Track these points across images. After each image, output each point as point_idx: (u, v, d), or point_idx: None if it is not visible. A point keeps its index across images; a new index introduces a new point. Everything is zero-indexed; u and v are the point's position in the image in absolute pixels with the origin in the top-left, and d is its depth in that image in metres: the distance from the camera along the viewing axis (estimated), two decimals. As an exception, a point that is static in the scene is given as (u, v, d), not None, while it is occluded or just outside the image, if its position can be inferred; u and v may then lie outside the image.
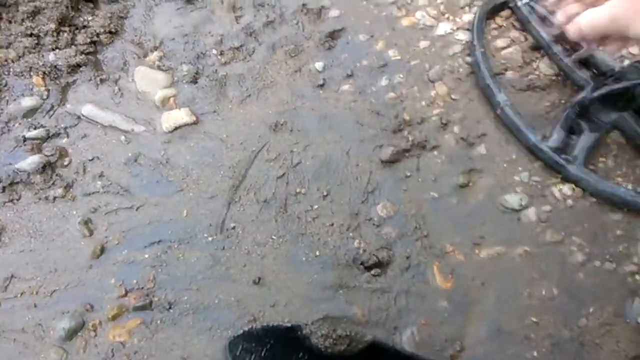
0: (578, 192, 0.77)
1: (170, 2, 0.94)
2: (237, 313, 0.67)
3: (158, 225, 0.73)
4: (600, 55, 0.86)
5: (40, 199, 0.75)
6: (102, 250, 0.72)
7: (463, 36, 0.95)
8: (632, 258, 0.74)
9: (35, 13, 0.86)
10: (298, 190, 0.76)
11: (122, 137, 0.80)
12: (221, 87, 0.85)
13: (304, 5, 0.96)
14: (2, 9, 0.87)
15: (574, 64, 0.87)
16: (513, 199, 0.76)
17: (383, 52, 0.92)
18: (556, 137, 0.80)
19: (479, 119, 0.85)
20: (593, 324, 0.69)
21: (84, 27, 0.89)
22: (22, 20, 0.86)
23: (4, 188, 0.75)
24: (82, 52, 0.86)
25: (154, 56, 0.88)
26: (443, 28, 0.97)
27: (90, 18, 0.89)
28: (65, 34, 0.87)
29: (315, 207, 0.75)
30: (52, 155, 0.77)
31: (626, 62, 0.85)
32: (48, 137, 0.79)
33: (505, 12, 1.00)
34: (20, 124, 0.80)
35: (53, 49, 0.85)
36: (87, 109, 0.81)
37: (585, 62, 0.87)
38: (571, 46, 0.90)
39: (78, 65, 0.85)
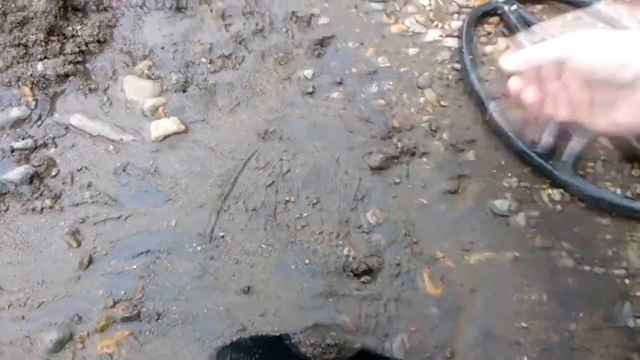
0: (567, 197, 0.78)
1: (159, 11, 0.94)
2: (226, 323, 0.67)
3: (146, 235, 0.73)
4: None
5: (28, 210, 0.74)
6: (90, 261, 0.71)
7: (452, 43, 0.96)
8: (621, 262, 0.74)
9: (23, 23, 0.86)
10: (287, 198, 0.76)
11: (111, 147, 0.80)
12: (210, 96, 0.85)
13: (293, 13, 0.96)
14: (-10, 19, 0.87)
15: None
16: (502, 205, 0.76)
17: (372, 59, 0.93)
18: (545, 142, 0.80)
19: (468, 125, 0.85)
20: (583, 328, 0.69)
21: (73, 36, 0.88)
22: (10, 30, 0.86)
23: (-9, 199, 0.74)
24: (70, 62, 0.86)
25: (143, 65, 0.87)
26: (432, 35, 0.97)
27: (79, 27, 0.89)
28: (54, 44, 0.86)
29: (305, 215, 0.75)
30: (40, 165, 0.77)
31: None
32: (36, 148, 0.79)
33: (494, 19, 1.00)
34: (8, 134, 0.80)
35: (41, 59, 0.85)
36: (76, 119, 0.81)
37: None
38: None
39: (66, 75, 0.85)
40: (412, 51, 0.94)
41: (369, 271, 0.71)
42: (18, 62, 0.84)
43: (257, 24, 0.94)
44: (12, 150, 0.78)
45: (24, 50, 0.85)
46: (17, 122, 0.81)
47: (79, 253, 0.72)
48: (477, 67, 0.89)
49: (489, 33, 0.99)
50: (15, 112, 0.81)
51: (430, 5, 1.00)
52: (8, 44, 0.85)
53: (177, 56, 0.89)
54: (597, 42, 0.52)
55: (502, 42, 0.96)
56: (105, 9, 0.94)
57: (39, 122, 0.81)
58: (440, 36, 0.97)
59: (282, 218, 0.75)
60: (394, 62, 0.92)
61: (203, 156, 0.79)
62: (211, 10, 0.95)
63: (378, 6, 0.98)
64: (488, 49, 0.96)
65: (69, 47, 0.87)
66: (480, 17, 0.99)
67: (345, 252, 0.72)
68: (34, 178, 0.76)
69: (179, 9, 0.94)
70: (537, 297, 0.71)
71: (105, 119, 0.82)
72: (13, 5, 0.86)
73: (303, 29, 0.95)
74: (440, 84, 0.90)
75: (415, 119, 0.85)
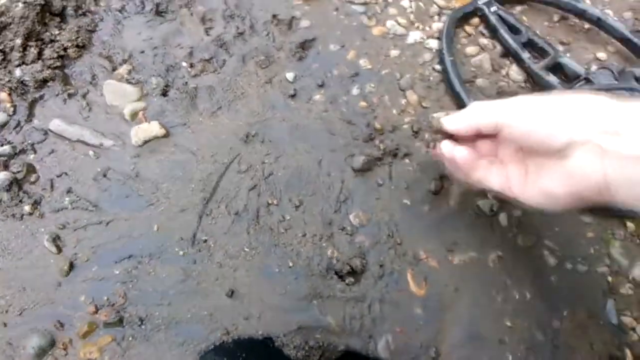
0: (549, 196, 0.78)
1: (139, 15, 0.93)
2: (210, 327, 0.67)
3: (128, 240, 0.72)
4: (568, 61, 0.87)
5: (7, 216, 0.73)
6: (71, 267, 0.70)
7: (433, 44, 0.96)
8: (604, 259, 0.75)
9: (1, 29, 0.85)
10: (270, 201, 0.76)
11: (91, 152, 0.79)
12: (191, 100, 0.85)
13: (274, 16, 0.96)
14: (-33, 25, 0.86)
15: (543, 70, 0.88)
16: (485, 205, 0.77)
17: (354, 61, 0.93)
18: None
19: (450, 126, 0.85)
20: (567, 326, 0.69)
21: (52, 41, 0.87)
22: (-12, 36, 0.85)
23: (-31, 207, 0.73)
24: (49, 67, 0.85)
25: (123, 70, 0.87)
26: (413, 37, 0.97)
27: (57, 32, 0.88)
28: (32, 49, 0.85)
29: (288, 217, 0.75)
30: (19, 172, 0.76)
31: (594, 67, 0.86)
32: (15, 154, 0.78)
33: (475, 21, 1.01)
34: (-14, 141, 0.79)
35: (19, 65, 0.84)
36: (55, 124, 0.80)
37: (553, 68, 0.89)
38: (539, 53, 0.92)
39: (45, 81, 0.84)
40: (393, 53, 0.94)
41: (353, 273, 0.71)
42: (-5, 69, 0.83)
43: (238, 28, 0.94)
44: (-9, 157, 0.77)
45: (2, 57, 0.84)
46: (-5, 129, 0.80)
47: (60, 259, 0.71)
48: (458, 68, 0.90)
49: (469, 34, 0.99)
50: (-7, 119, 0.80)
51: (411, 7, 1.01)
52: (-15, 50, 0.84)
53: (157, 60, 0.88)
54: (531, 108, 0.53)
55: (482, 42, 0.97)
56: (84, 14, 0.93)
57: (18, 129, 0.80)
58: (422, 38, 0.97)
59: (265, 221, 0.74)
60: (376, 64, 0.92)
61: (184, 160, 0.79)
62: (191, 14, 0.94)
63: (359, 9, 0.98)
64: (469, 50, 0.96)
65: (48, 52, 0.86)
66: (461, 18, 0.99)
67: (329, 254, 0.72)
68: (12, 184, 0.74)
69: (159, 13, 0.94)
70: (521, 296, 0.71)
71: (85, 124, 0.81)
72: (-10, 12, 0.85)
73: (284, 32, 0.95)
74: (422, 86, 0.90)
75: (398, 120, 0.85)
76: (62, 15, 0.92)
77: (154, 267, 0.70)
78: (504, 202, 0.77)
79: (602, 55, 0.96)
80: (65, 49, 0.88)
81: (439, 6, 1.01)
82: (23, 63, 0.84)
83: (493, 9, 0.96)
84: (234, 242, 0.72)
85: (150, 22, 0.93)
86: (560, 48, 0.95)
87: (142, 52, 0.89)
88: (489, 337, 0.68)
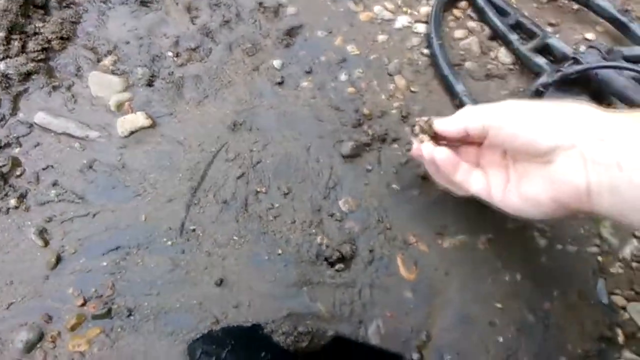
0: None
1: (123, 5, 0.93)
2: (200, 316, 0.66)
3: (115, 231, 0.72)
4: (556, 42, 0.87)
5: (-7, 210, 0.73)
6: (59, 259, 0.70)
7: (421, 29, 0.96)
8: (594, 240, 0.74)
9: (-17, 22, 0.84)
10: (258, 189, 0.76)
11: (77, 144, 0.78)
12: (178, 89, 0.84)
13: (260, 4, 0.95)
14: (-52, 19, 0.85)
15: (531, 51, 0.87)
16: (474, 188, 0.76)
17: (342, 47, 0.92)
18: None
19: (438, 110, 0.85)
20: (558, 307, 0.69)
21: (35, 34, 0.86)
22: (-30, 30, 0.84)
23: (-45, 202, 0.73)
24: (33, 60, 0.84)
25: (108, 61, 0.86)
26: (401, 21, 0.97)
27: (41, 25, 0.87)
28: (16, 42, 0.84)
29: (277, 205, 0.74)
30: (4, 165, 0.75)
31: (582, 48, 0.85)
32: (0, 148, 0.77)
33: (463, 4, 1.00)
34: (-29, 135, 0.78)
35: (3, 58, 0.83)
36: (40, 117, 0.79)
37: (542, 49, 0.88)
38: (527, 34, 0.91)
39: (29, 73, 0.83)
40: (381, 38, 0.94)
41: (342, 259, 0.70)
42: (-21, 63, 0.83)
43: (224, 16, 0.93)
44: (-25, 152, 0.76)
45: (-15, 50, 0.84)
46: (-21, 123, 0.79)
47: (47, 252, 0.70)
48: (446, 52, 0.89)
49: (457, 18, 0.99)
50: (-24, 113, 0.79)
51: (399, -9, 1.00)
52: (-32, 44, 0.83)
53: (142, 50, 0.87)
54: (519, 111, 0.54)
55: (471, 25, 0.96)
56: (67, 6, 0.92)
57: (2, 122, 0.79)
58: (410, 22, 0.96)
59: (253, 209, 0.74)
60: (364, 50, 0.92)
61: (171, 150, 0.78)
62: (177, 3, 0.94)
63: (346, -6, 0.98)
64: (457, 33, 0.96)
65: (31, 45, 0.85)
66: (449, 2, 0.99)
67: (319, 240, 0.72)
68: (-2, 178, 0.74)
69: (143, 2, 0.93)
70: (511, 277, 0.71)
71: (70, 117, 0.80)
72: (-28, 5, 0.84)
73: (271, 19, 0.94)
74: (410, 70, 0.90)
75: (386, 105, 0.85)
76: (45, 7, 0.91)
77: (142, 257, 0.70)
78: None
79: (590, 35, 0.96)
80: (49, 42, 0.87)
81: (426, -10, 1.00)
82: (7, 57, 0.83)
83: (480, -10, 0.96)
84: (223, 231, 0.72)
85: (135, 12, 0.92)
86: (549, 29, 0.95)
87: (127, 42, 0.89)
88: (479, 320, 0.68)
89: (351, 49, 0.91)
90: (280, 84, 0.86)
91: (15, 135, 0.78)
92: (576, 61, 0.79)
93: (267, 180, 0.76)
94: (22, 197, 0.74)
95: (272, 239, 0.72)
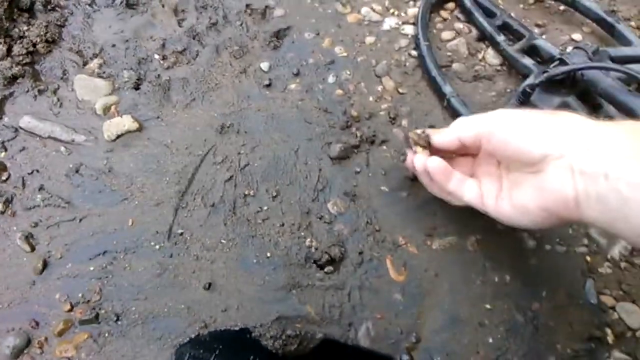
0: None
1: (109, 8, 0.92)
2: (188, 320, 0.66)
3: (102, 236, 0.71)
4: (542, 43, 0.87)
5: (-22, 216, 0.72)
6: (45, 265, 0.69)
7: (409, 30, 0.96)
8: (582, 240, 0.74)
9: (-33, 26, 0.83)
10: (247, 192, 0.75)
11: (63, 148, 0.77)
12: (164, 92, 0.83)
13: (247, 5, 0.95)
14: None
15: (518, 52, 0.88)
16: (463, 189, 0.76)
17: (329, 49, 0.92)
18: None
19: (426, 111, 0.85)
20: (547, 307, 0.69)
21: (20, 37, 0.86)
22: (-46, 34, 0.83)
23: (-60, 208, 0.72)
24: (18, 64, 0.83)
25: (94, 64, 0.85)
26: (388, 23, 0.97)
27: (26, 28, 0.86)
28: (1, 46, 0.84)
29: (265, 208, 0.74)
30: (-11, 170, 0.75)
31: (569, 49, 0.86)
32: (-15, 153, 0.76)
33: (450, 5, 1.01)
34: (-45, 141, 0.77)
35: (-12, 62, 0.82)
36: (25, 121, 0.78)
37: (529, 50, 0.88)
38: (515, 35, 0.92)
39: (15, 77, 0.82)
40: (369, 40, 0.94)
41: (331, 261, 0.70)
42: (-37, 67, 0.82)
43: (210, 18, 0.93)
44: (-40, 157, 0.75)
45: (-30, 55, 0.83)
46: (-36, 128, 0.78)
47: (34, 257, 0.70)
48: (434, 53, 0.89)
49: (445, 19, 0.99)
50: (-39, 118, 0.78)
51: (386, -7, 1.00)
52: (-48, 48, 0.82)
53: (128, 53, 0.87)
54: (510, 119, 0.55)
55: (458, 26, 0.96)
56: (53, 9, 0.91)
57: (-13, 127, 0.79)
58: (397, 24, 0.97)
59: (242, 212, 0.74)
60: (351, 52, 0.92)
61: (158, 153, 0.78)
62: (163, 6, 0.93)
63: (334, -4, 0.98)
64: (445, 35, 0.96)
65: (17, 48, 0.85)
66: (436, 3, 0.99)
67: (308, 243, 0.72)
68: (-18, 184, 0.73)
69: (129, 5, 0.92)
70: (501, 278, 0.71)
71: (56, 120, 0.80)
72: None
73: (258, 21, 0.94)
74: (398, 72, 0.90)
75: (374, 107, 0.85)
76: (30, 10, 0.90)
77: (129, 262, 0.69)
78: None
79: (577, 36, 0.96)
80: (34, 45, 0.86)
81: (413, -9, 1.00)
82: (-9, 60, 0.83)
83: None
84: (211, 234, 0.71)
85: (121, 14, 0.92)
86: (536, 30, 0.95)
87: (113, 45, 0.88)
88: (469, 321, 0.67)
89: (339, 50, 0.91)
90: (268, 86, 0.86)
91: (0, 140, 0.78)
92: (562, 62, 0.79)
93: (255, 183, 0.76)
94: (7, 202, 0.73)
95: (260, 242, 0.71)
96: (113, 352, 0.64)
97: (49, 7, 0.91)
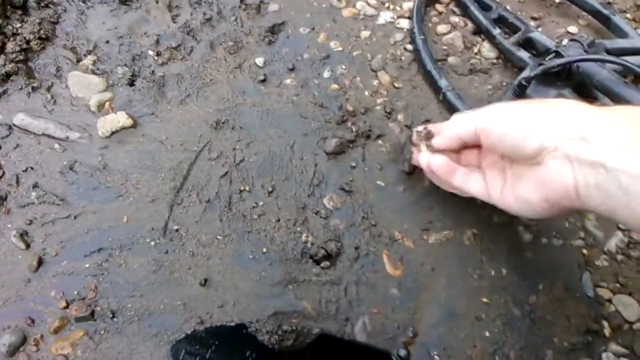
0: (522, 172, 0.77)
1: (103, 4, 0.92)
2: (184, 317, 0.66)
3: (98, 233, 0.71)
4: (538, 36, 0.87)
5: (-27, 214, 0.72)
6: (40, 262, 0.69)
7: (404, 24, 0.95)
8: (579, 233, 0.74)
9: (-40, 23, 0.83)
10: (242, 188, 0.75)
11: (57, 145, 0.77)
12: (159, 88, 0.83)
13: (242, 0, 0.95)
14: None
15: (514, 45, 0.87)
16: (459, 183, 0.76)
17: (325, 44, 0.91)
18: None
19: (422, 105, 0.85)
20: (543, 300, 0.69)
21: (14, 34, 0.85)
22: (-53, 32, 0.82)
23: None
24: (12, 61, 0.83)
25: (87, 60, 0.85)
26: (384, 17, 0.96)
27: (19, 25, 0.86)
28: (-6, 43, 0.83)
29: (261, 203, 0.74)
30: (-17, 168, 0.74)
31: (565, 41, 0.85)
32: (-21, 150, 0.76)
33: (445, -1, 1.00)
34: (-51, 139, 0.77)
35: (-19, 60, 0.82)
36: (19, 119, 0.78)
37: (524, 43, 0.88)
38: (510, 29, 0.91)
39: (8, 75, 0.82)
40: (364, 34, 0.93)
41: (328, 256, 0.70)
42: (-44, 65, 0.81)
43: (205, 14, 0.92)
44: (-47, 155, 0.75)
45: (-37, 53, 0.82)
46: (-43, 126, 0.78)
47: (29, 255, 0.69)
48: (429, 47, 0.89)
49: (440, 13, 0.99)
50: (-45, 116, 0.78)
51: (381, -13, 1.00)
52: (-55, 46, 0.82)
53: (122, 50, 0.86)
54: (506, 113, 0.56)
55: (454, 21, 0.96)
56: (46, 6, 0.91)
57: (-19, 124, 0.78)
58: (393, 18, 0.96)
59: (237, 208, 0.73)
60: (347, 46, 0.91)
61: (153, 150, 0.77)
62: (157, 2, 0.93)
63: (328, -10, 0.97)
64: (440, 28, 0.95)
65: (10, 46, 0.84)
66: (431, -3, 0.99)
67: (304, 238, 0.71)
68: (-24, 182, 0.73)
69: (123, 1, 0.92)
70: (497, 272, 0.71)
71: (50, 118, 0.79)
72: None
73: (253, 16, 0.93)
74: (394, 66, 0.89)
75: (370, 102, 0.84)
76: (24, 7, 0.90)
77: (125, 258, 0.69)
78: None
79: (573, 28, 0.96)
80: (28, 42, 0.85)
81: (409, -15, 1.00)
82: (-15, 58, 0.82)
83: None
84: (207, 230, 0.71)
85: (115, 11, 0.91)
86: (532, 23, 0.95)
87: (107, 42, 0.88)
88: (465, 315, 0.67)
89: (334, 45, 0.91)
90: (263, 81, 0.85)
91: (-6, 137, 0.77)
92: (558, 54, 0.79)
93: (251, 179, 0.76)
94: (2, 200, 0.73)
95: (256, 237, 0.71)
96: (109, 349, 0.64)
97: (42, 4, 0.90)
